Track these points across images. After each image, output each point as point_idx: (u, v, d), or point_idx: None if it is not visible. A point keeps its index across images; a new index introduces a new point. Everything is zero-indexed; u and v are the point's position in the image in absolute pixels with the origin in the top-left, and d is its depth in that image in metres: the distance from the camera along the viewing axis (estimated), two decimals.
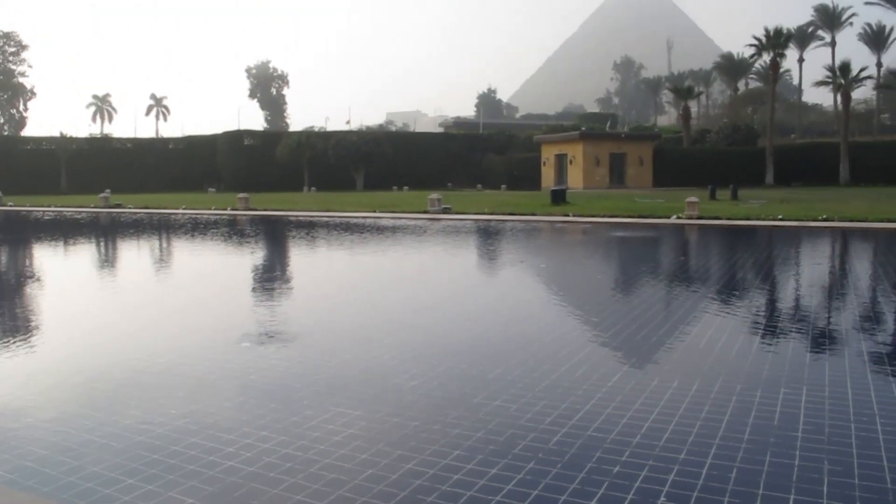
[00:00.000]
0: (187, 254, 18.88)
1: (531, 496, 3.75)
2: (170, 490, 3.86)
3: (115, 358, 6.81)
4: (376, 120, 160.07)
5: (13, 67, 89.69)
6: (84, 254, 19.20)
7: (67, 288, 12.49)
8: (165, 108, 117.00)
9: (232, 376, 6.11)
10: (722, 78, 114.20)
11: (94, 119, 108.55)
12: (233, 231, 24.47)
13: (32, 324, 9.12)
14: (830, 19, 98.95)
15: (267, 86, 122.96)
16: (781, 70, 72.27)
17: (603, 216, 25.08)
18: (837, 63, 63.80)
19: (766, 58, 63.77)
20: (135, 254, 18.91)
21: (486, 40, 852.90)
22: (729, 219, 23.51)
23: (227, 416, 5.06)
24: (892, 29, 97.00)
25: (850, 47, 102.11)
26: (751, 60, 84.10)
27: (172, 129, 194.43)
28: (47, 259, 17.69)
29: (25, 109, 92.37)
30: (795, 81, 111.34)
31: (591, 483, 3.88)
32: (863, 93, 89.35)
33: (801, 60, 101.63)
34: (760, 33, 61.10)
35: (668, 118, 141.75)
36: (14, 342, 7.69)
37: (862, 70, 60.84)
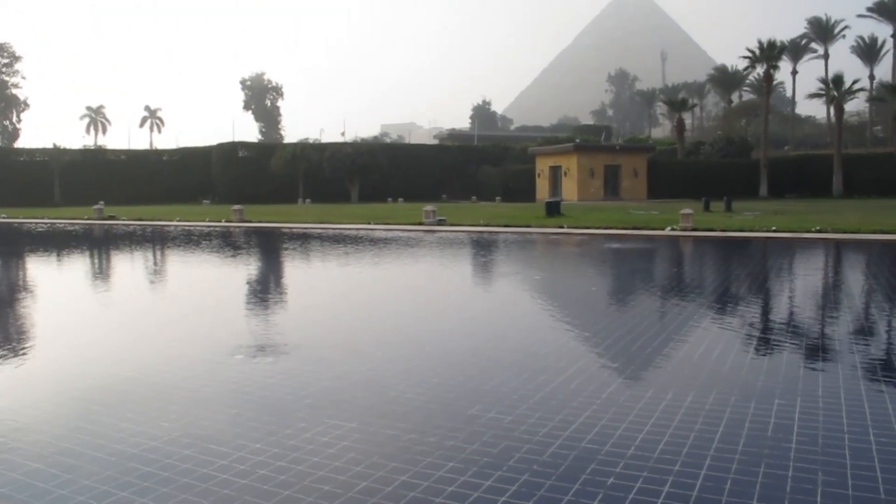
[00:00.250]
0: (181, 266, 18.85)
1: None
2: (163, 503, 3.84)
3: (108, 370, 6.78)
4: (371, 132, 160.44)
5: (6, 79, 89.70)
6: (77, 266, 19.15)
7: (59, 300, 12.46)
8: (160, 119, 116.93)
9: (225, 389, 6.10)
10: (716, 90, 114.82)
11: (87, 131, 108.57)
12: (227, 243, 24.44)
13: (24, 336, 9.08)
14: (823, 32, 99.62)
15: (261, 98, 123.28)
16: (775, 82, 72.72)
17: (598, 228, 25.12)
18: (830, 75, 64.19)
19: (760, 70, 64.24)
20: (128, 266, 18.87)
21: (480, 52, 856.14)
22: (723, 230, 23.58)
23: (220, 428, 5.05)
24: (884, 42, 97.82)
25: (843, 60, 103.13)
26: (745, 73, 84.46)
27: (167, 140, 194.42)
28: (39, 271, 17.64)
29: (19, 121, 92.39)
30: (789, 94, 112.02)
31: (586, 495, 3.87)
32: (856, 105, 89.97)
33: (794, 73, 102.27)
34: (754, 46, 61.64)
35: (662, 130, 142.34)
36: (6, 355, 7.66)
37: (855, 82, 61.27)
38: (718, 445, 4.55)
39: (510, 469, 4.23)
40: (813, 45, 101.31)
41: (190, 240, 25.84)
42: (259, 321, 10.01)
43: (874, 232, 21.29)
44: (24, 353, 7.78)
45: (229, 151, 72.87)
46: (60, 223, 37.94)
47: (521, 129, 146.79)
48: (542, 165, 63.85)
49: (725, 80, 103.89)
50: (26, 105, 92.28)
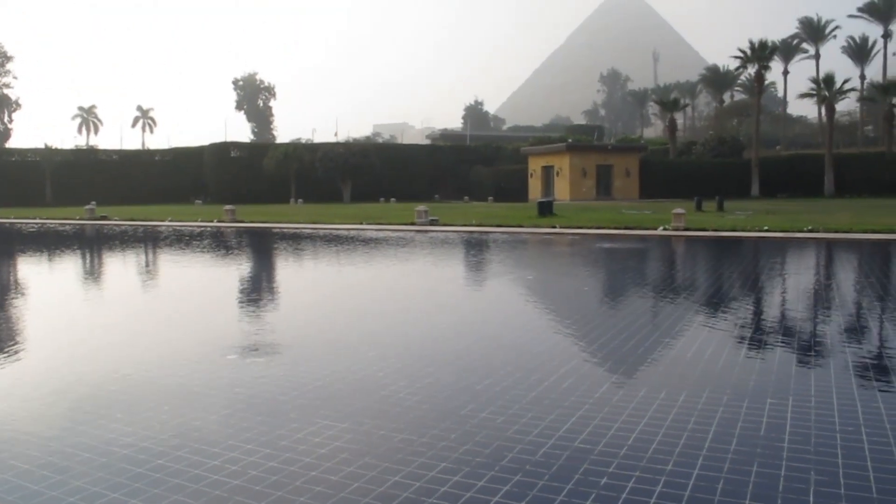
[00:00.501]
0: (173, 266, 18.79)
1: None
2: None
3: (99, 371, 6.75)
4: (363, 132, 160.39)
5: None
6: (68, 266, 19.06)
7: (50, 300, 12.40)
8: (152, 119, 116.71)
9: (217, 389, 6.07)
10: (708, 90, 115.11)
11: (79, 131, 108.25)
12: (219, 243, 24.39)
13: (14, 336, 9.03)
14: (815, 32, 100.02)
15: (254, 98, 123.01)
16: (766, 82, 72.87)
17: (590, 228, 25.15)
18: (822, 76, 64.48)
19: (752, 70, 64.47)
20: (119, 266, 18.80)
21: (473, 53, 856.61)
22: (715, 230, 23.63)
23: (212, 429, 5.03)
24: (875, 42, 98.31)
25: (835, 60, 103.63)
26: (736, 73, 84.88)
27: (159, 140, 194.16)
28: (30, 271, 17.56)
29: (10, 121, 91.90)
30: (780, 94, 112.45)
31: (579, 495, 3.87)
32: (847, 105, 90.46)
33: (785, 73, 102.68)
34: (746, 46, 61.79)
35: (654, 130, 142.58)
36: None
37: (845, 82, 61.52)
38: (711, 445, 4.55)
39: (503, 469, 4.22)
40: (804, 45, 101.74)
41: (182, 240, 25.77)
42: (251, 321, 9.98)
43: (865, 231, 21.38)
44: (13, 354, 7.74)
45: (221, 151, 72.75)
46: (52, 223, 37.79)
47: (514, 129, 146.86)
48: (535, 165, 63.93)
49: (717, 80, 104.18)
50: (18, 105, 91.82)
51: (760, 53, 61.13)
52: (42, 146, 73.76)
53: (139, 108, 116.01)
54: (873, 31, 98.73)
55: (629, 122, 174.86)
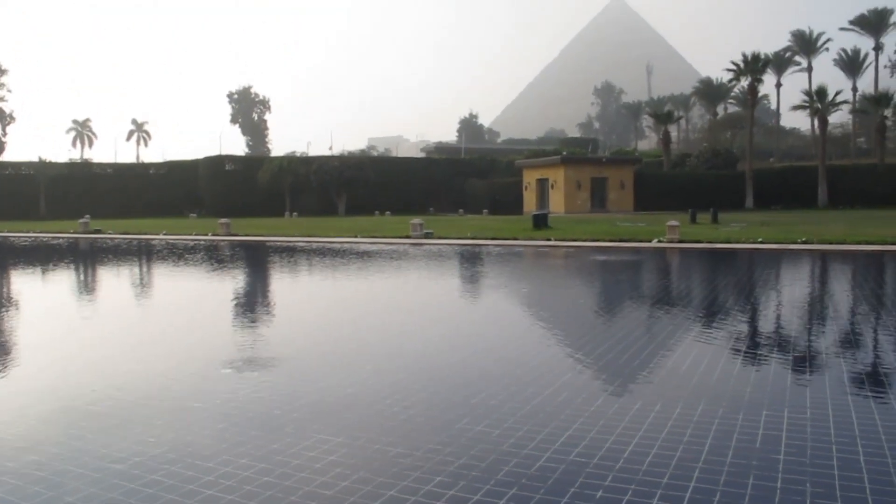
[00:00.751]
0: (167, 280, 18.74)
1: None
2: None
3: (92, 385, 6.72)
4: (358, 145, 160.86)
5: None
6: (61, 280, 19.01)
7: (44, 314, 12.34)
8: (146, 133, 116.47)
9: (212, 403, 6.05)
10: (701, 102, 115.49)
11: (74, 144, 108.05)
12: (214, 257, 24.35)
13: (6, 351, 8.98)
14: (807, 45, 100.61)
15: (248, 111, 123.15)
16: (760, 95, 73.29)
17: (585, 240, 25.17)
18: (814, 88, 64.77)
19: (745, 83, 64.79)
20: (113, 280, 18.75)
21: (467, 66, 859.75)
22: (710, 242, 23.67)
23: (206, 443, 5.00)
24: (866, 55, 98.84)
25: (827, 72, 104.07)
26: (729, 85, 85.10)
27: (154, 154, 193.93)
28: (23, 286, 17.49)
29: (4, 134, 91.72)
30: (773, 106, 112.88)
31: None
32: (839, 117, 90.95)
33: (778, 85, 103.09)
34: (739, 59, 62.07)
35: (648, 142, 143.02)
36: None
37: (838, 94, 61.87)
38: (707, 457, 4.54)
39: (498, 483, 4.21)
40: (797, 58, 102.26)
41: (177, 253, 25.71)
42: (246, 335, 9.95)
43: (859, 242, 21.44)
44: (7, 369, 7.70)
45: (216, 165, 72.68)
46: (45, 237, 37.68)
47: (508, 142, 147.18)
48: (530, 178, 64.02)
49: (711, 92, 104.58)
50: (12, 118, 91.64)
51: (753, 66, 61.46)
52: (36, 159, 73.63)
53: (134, 122, 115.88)
54: (865, 43, 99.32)
55: (623, 135, 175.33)
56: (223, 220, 35.79)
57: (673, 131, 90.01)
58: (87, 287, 17.18)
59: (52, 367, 7.74)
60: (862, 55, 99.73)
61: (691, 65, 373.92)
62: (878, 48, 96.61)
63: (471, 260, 21.32)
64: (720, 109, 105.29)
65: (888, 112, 62.26)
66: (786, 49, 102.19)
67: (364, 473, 4.37)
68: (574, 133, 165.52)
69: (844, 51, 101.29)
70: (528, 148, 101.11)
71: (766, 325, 10.29)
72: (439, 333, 9.73)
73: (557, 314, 11.80)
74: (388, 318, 11.13)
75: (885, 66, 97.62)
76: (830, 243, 21.78)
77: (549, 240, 25.92)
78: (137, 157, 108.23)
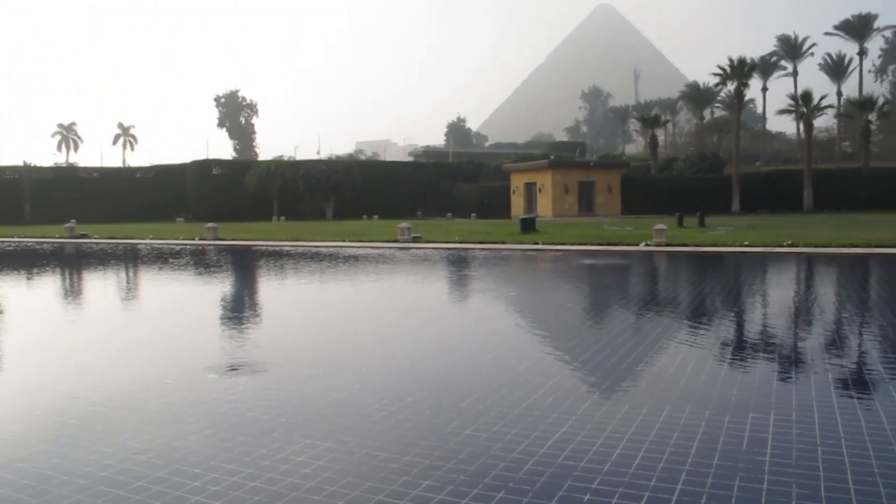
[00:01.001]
0: (153, 285, 18.64)
1: None
2: None
3: (78, 391, 6.68)
4: (346, 149, 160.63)
5: None
6: (46, 285, 18.89)
7: (29, 320, 12.26)
8: (133, 137, 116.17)
9: (199, 408, 6.02)
10: (688, 107, 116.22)
11: (59, 148, 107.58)
12: (200, 261, 24.25)
13: None
14: (792, 50, 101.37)
15: (236, 115, 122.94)
16: (746, 99, 73.65)
17: (572, 244, 25.25)
18: (800, 92, 65.26)
19: (731, 87, 65.13)
20: (99, 285, 18.64)
21: (455, 70, 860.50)
22: (696, 246, 23.79)
23: (193, 449, 4.98)
24: (851, 59, 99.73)
25: (812, 77, 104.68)
26: (716, 89, 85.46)
27: (140, 158, 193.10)
28: (7, 291, 17.37)
29: None
30: (759, 110, 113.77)
31: None
32: (824, 121, 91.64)
33: (764, 90, 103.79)
34: (725, 63, 62.43)
35: (635, 146, 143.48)
36: None
37: (822, 98, 62.35)
38: (694, 460, 4.56)
39: (486, 486, 4.21)
40: (782, 62, 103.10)
41: (163, 258, 25.60)
42: (233, 340, 9.92)
43: (844, 246, 21.61)
44: None
45: (203, 169, 72.46)
46: (29, 241, 37.46)
47: (496, 146, 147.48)
48: (517, 182, 64.15)
49: (697, 96, 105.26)
50: None
51: (739, 71, 61.86)
52: (21, 163, 73.19)
53: (120, 126, 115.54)
54: (849, 48, 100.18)
55: (611, 139, 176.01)
56: (210, 225, 35.67)
57: (660, 135, 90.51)
58: (73, 292, 17.07)
59: (37, 373, 7.68)
60: (847, 60, 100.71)
61: (678, 69, 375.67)
62: (862, 53, 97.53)
63: (458, 264, 21.32)
64: (707, 113, 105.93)
65: (872, 116, 62.83)
66: (772, 54, 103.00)
67: (352, 478, 4.37)
68: (562, 137, 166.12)
69: (829, 55, 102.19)
70: (515, 152, 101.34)
71: (752, 328, 10.35)
72: (427, 337, 9.72)
73: (545, 318, 11.82)
74: (376, 323, 11.12)
75: (870, 71, 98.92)
76: (816, 247, 21.93)
77: (536, 243, 25.97)
78: (124, 161, 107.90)
